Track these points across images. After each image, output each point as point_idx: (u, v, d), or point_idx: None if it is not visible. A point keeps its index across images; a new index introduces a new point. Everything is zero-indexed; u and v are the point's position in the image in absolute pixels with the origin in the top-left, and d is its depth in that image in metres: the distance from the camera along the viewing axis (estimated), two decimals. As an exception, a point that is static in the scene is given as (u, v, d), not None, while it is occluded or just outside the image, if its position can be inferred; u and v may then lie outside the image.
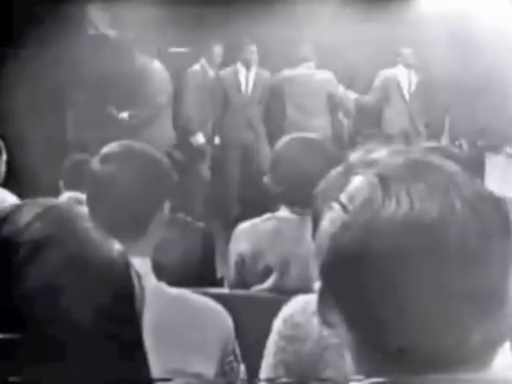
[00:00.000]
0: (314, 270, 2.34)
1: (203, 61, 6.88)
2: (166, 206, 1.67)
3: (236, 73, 6.74)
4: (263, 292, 2.44)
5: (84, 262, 0.82)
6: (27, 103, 6.84)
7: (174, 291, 1.64)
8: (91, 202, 1.68)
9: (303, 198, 2.44)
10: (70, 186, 3.26)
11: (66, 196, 3.26)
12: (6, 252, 0.79)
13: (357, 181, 0.81)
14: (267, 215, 2.53)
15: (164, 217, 1.67)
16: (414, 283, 0.74)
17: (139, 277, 0.87)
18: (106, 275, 0.83)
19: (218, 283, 2.94)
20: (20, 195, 3.35)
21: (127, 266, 0.87)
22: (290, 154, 2.47)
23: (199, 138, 6.72)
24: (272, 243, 2.43)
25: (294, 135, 2.59)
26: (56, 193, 3.32)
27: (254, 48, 6.74)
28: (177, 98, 6.90)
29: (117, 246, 0.87)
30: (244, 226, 2.54)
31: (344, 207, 0.80)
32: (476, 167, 8.70)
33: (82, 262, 0.82)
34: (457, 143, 8.85)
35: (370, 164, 0.82)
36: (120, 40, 7.67)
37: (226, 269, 2.75)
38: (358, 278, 0.78)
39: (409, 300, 0.75)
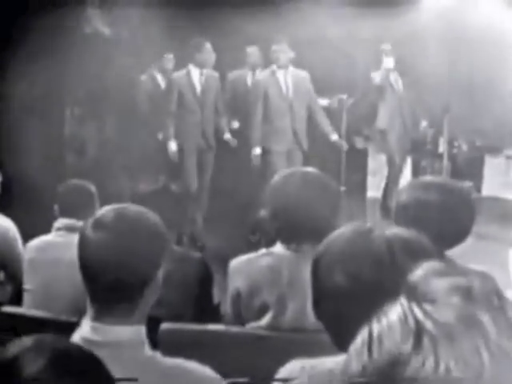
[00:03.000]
0: (310, 309, 2.30)
1: (191, 65, 6.62)
2: (161, 272, 1.63)
3: (189, 74, 6.57)
4: (259, 329, 2.40)
5: None
6: (24, 104, 6.81)
7: (169, 362, 1.61)
8: (84, 268, 1.64)
9: (300, 235, 2.41)
10: (65, 213, 3.17)
11: (60, 223, 3.20)
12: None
13: (394, 314, 0.78)
14: (263, 250, 2.50)
15: (159, 282, 1.63)
16: None
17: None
18: None
19: (215, 310, 2.92)
20: (14, 218, 3.34)
21: None
22: (287, 189, 2.44)
23: (172, 146, 6.49)
24: (268, 280, 2.40)
25: (292, 170, 2.56)
26: (51, 217, 3.26)
27: (209, 48, 6.54)
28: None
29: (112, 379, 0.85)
30: (240, 260, 2.51)
31: (370, 349, 0.77)
32: (475, 168, 8.75)
33: None
34: (456, 144, 8.86)
35: (418, 296, 0.78)
36: (115, 39, 7.65)
37: (224, 295, 2.73)
38: None
39: None
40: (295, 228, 2.40)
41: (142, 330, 1.61)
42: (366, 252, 1.40)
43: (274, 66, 6.47)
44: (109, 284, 1.57)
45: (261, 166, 6.45)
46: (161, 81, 7.53)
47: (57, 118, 7.53)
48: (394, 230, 1.45)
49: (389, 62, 7.49)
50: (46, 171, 5.82)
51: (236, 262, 2.51)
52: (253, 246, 2.78)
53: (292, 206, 2.40)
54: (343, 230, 1.52)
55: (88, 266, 1.63)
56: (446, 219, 2.30)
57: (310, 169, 2.53)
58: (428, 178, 2.47)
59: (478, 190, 8.84)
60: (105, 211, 1.66)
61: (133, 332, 1.57)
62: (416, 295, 0.78)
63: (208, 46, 6.49)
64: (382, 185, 8.11)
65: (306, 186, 2.43)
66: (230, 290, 2.50)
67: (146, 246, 1.62)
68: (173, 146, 6.47)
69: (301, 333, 2.34)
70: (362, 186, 8.65)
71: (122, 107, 7.25)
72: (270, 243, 2.54)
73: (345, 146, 6.73)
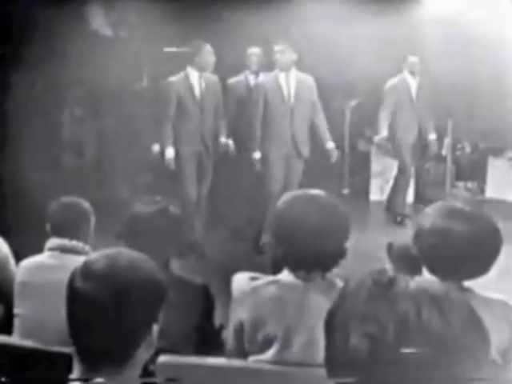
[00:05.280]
0: (319, 342, 2.13)
1: (189, 68, 6.26)
2: (156, 327, 1.47)
3: (187, 77, 6.21)
4: (263, 363, 2.25)
5: None
6: (22, 104, 6.68)
7: None
8: (71, 321, 1.48)
9: (308, 261, 2.26)
10: (57, 232, 3.00)
11: (52, 243, 3.02)
12: None
13: None
14: (269, 278, 2.33)
15: (153, 339, 1.47)
16: None
17: None
18: None
19: (216, 336, 2.77)
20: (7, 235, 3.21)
21: None
22: (293, 213, 2.28)
23: (170, 152, 6.16)
24: (274, 312, 2.24)
25: (297, 192, 2.39)
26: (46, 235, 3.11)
27: (210, 50, 6.19)
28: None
29: None
30: (244, 288, 2.33)
31: None
32: (478, 170, 8.65)
33: None
34: (459, 146, 8.75)
35: None
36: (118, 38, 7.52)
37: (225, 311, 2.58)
38: None
39: None
40: (303, 254, 2.24)
41: None
42: (389, 310, 1.23)
43: (277, 69, 6.17)
44: (98, 340, 1.42)
45: (260, 172, 6.23)
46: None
47: (55, 119, 7.40)
48: (419, 283, 1.29)
49: (413, 69, 7.36)
50: (42, 176, 5.67)
51: (240, 289, 2.33)
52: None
53: (298, 231, 2.25)
54: (361, 282, 1.36)
55: (75, 319, 1.48)
56: (471, 251, 2.15)
57: (316, 191, 2.36)
58: (457, 205, 2.30)
59: (482, 191, 8.75)
60: (95, 258, 1.50)
61: None
62: None
63: (208, 47, 6.17)
64: (387, 188, 7.96)
65: (313, 210, 2.27)
66: (233, 321, 2.33)
67: (141, 300, 1.46)
68: (170, 152, 6.15)
69: (307, 367, 2.19)
70: (365, 189, 8.51)
71: (122, 108, 7.10)
72: (277, 269, 2.38)
73: (335, 157, 6.44)
